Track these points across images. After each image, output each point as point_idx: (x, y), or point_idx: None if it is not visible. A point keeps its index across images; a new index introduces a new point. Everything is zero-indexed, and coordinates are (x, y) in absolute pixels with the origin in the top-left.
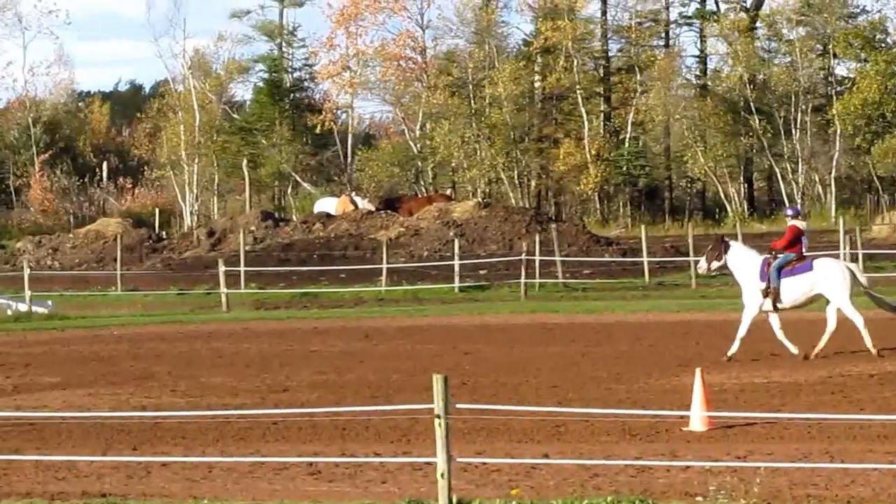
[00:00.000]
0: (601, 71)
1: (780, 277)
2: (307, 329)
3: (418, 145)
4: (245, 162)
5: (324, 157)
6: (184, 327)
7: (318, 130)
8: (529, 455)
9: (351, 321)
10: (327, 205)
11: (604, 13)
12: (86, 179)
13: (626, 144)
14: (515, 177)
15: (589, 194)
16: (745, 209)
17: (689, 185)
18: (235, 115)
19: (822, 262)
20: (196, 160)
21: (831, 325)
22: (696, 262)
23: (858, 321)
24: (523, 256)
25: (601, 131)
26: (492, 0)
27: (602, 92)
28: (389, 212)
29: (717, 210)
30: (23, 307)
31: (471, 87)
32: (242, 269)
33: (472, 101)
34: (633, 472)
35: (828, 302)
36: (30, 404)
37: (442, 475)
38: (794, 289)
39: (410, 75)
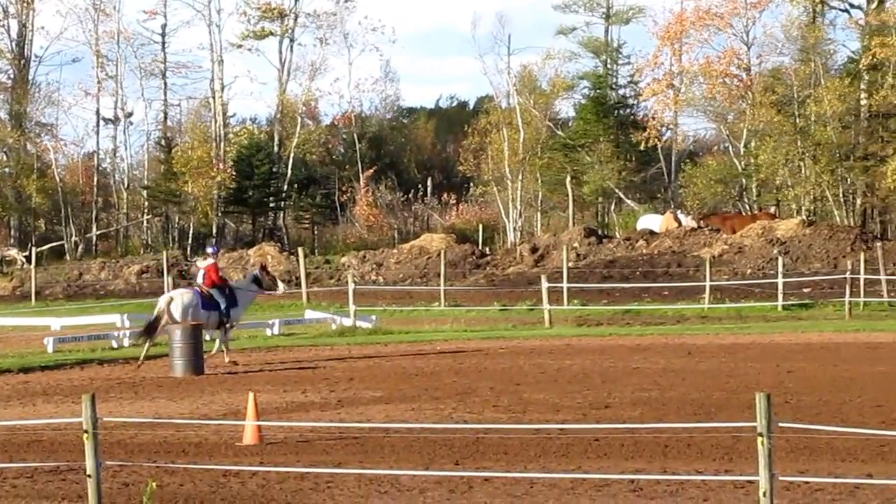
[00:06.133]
0: None
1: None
2: (629, 346)
3: (742, 163)
4: (569, 178)
5: (647, 174)
6: (506, 343)
7: (641, 147)
8: (853, 475)
9: (673, 338)
10: (651, 222)
11: None
12: (410, 195)
13: None
14: (840, 195)
15: None
16: None
17: None
18: (559, 132)
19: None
20: (520, 176)
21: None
22: None
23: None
24: (848, 275)
25: None
26: (818, 17)
27: None
28: (709, 225)
29: None
30: (347, 322)
31: (795, 104)
32: (565, 285)
33: (797, 119)
34: None
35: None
36: (353, 418)
37: (764, 494)
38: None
39: (735, 93)
